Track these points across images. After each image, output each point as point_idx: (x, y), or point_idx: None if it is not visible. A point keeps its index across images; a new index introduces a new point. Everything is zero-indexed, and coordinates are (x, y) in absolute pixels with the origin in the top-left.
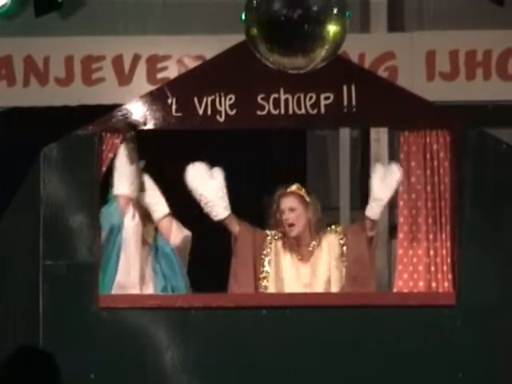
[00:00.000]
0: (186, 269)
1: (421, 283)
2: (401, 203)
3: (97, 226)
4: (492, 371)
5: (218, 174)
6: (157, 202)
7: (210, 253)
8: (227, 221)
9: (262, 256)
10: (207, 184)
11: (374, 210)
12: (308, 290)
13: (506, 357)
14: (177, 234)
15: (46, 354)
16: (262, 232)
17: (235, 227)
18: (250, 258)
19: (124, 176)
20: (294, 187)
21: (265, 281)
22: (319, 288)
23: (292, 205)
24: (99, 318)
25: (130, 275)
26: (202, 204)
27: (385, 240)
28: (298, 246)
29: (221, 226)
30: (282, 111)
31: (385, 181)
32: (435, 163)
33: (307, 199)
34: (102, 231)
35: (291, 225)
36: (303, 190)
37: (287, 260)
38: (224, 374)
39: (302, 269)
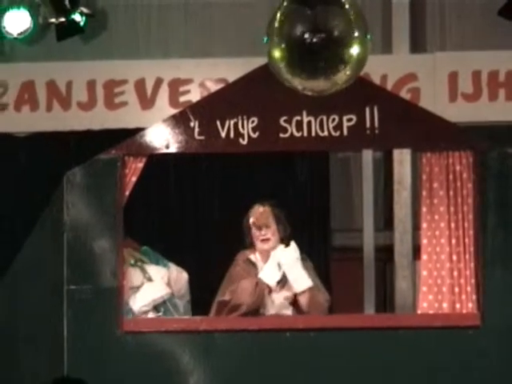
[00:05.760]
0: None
1: (445, 304)
2: (424, 225)
3: (120, 249)
4: None
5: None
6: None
7: None
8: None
9: None
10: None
11: None
12: None
13: None
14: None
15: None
16: None
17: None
18: None
19: None
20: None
21: None
22: None
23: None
24: (124, 342)
25: None
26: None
27: (409, 261)
28: None
29: None
30: (305, 133)
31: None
32: (458, 184)
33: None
34: None
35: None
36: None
37: None
38: None
39: None
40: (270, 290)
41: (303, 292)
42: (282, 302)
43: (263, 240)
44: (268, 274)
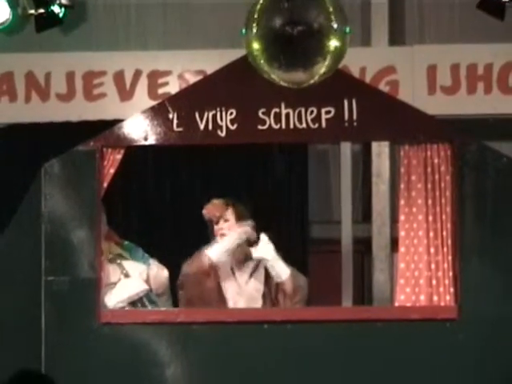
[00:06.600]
0: None
1: (422, 297)
2: (402, 217)
3: (98, 241)
4: None
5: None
6: None
7: None
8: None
9: None
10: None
11: None
12: None
13: (508, 370)
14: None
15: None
16: None
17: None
18: None
19: None
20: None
21: None
22: None
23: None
24: (101, 333)
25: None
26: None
27: (387, 254)
28: None
29: None
30: (283, 126)
31: None
32: (436, 177)
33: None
34: None
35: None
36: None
37: None
38: None
39: None
40: (233, 272)
41: (286, 279)
42: (253, 294)
43: (221, 234)
44: (214, 250)
